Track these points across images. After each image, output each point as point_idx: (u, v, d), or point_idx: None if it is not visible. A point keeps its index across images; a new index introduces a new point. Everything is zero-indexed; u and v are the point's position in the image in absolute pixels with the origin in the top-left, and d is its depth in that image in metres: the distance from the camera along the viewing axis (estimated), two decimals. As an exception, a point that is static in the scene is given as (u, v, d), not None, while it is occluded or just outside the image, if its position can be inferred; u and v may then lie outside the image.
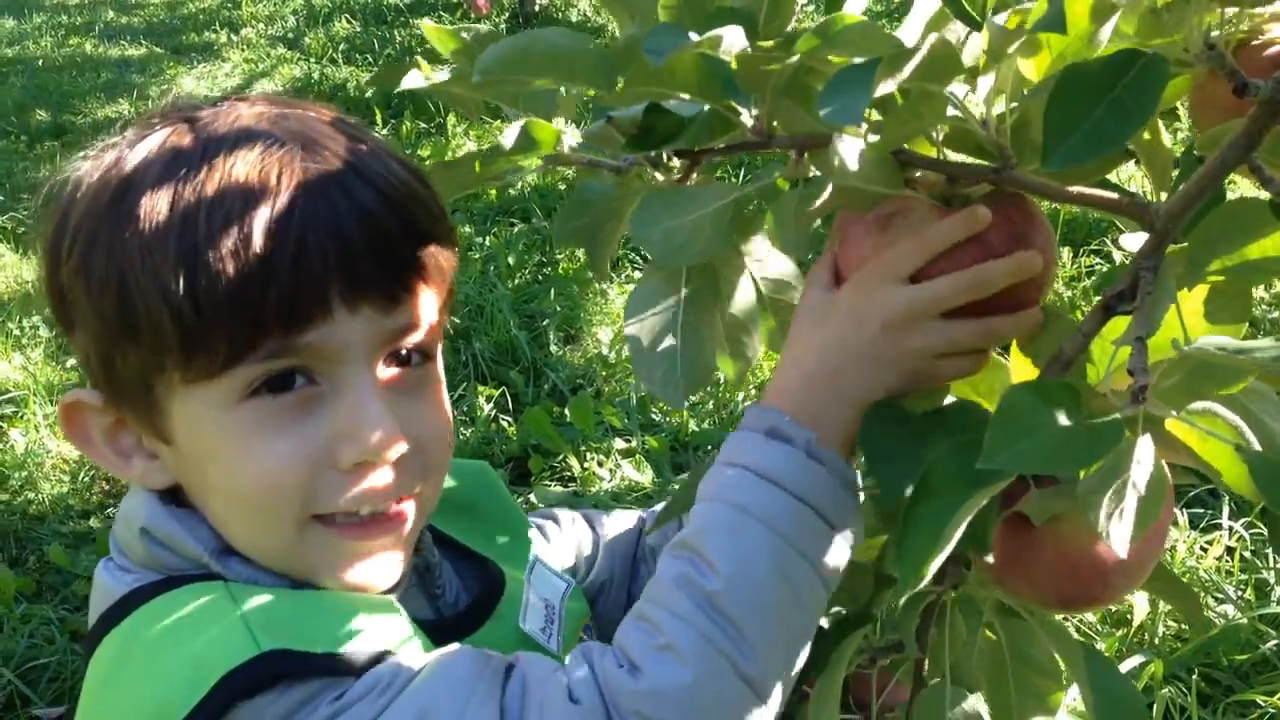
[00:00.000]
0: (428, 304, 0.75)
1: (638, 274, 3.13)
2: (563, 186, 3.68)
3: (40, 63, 5.87)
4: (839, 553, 0.68)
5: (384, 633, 0.72)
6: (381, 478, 0.74)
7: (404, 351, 0.76)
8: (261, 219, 0.69)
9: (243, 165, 0.71)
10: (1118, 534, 0.54)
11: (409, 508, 0.77)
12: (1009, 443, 0.53)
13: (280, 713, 0.66)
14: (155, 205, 0.70)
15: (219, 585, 0.72)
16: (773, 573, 0.65)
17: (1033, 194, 0.64)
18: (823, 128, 0.62)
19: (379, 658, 0.69)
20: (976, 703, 0.70)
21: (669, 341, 0.69)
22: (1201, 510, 2.14)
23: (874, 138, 0.62)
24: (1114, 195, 0.61)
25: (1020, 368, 0.68)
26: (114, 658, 0.72)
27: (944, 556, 0.55)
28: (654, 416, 2.66)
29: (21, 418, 2.80)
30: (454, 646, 0.72)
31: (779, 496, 0.66)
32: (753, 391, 2.65)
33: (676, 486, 2.58)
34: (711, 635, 0.64)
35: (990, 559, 0.65)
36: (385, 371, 0.74)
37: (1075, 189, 0.61)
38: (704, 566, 0.66)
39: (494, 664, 0.69)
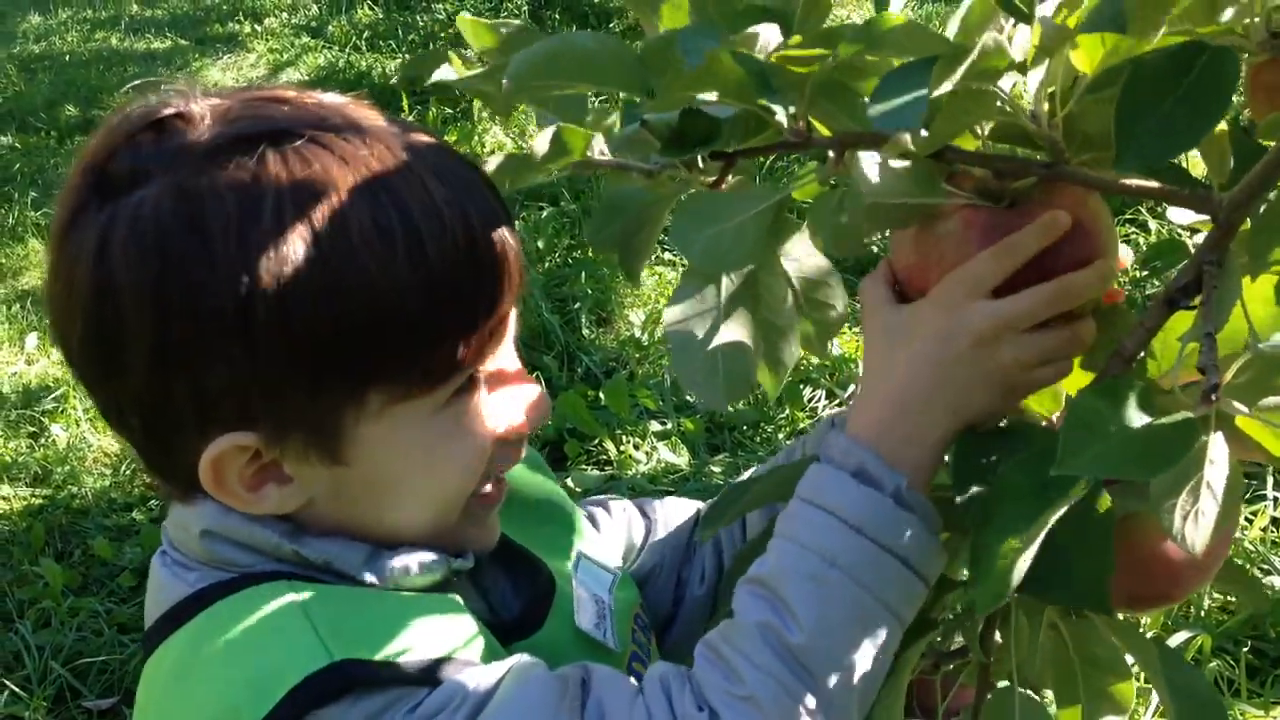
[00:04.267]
0: None
1: (668, 255, 3.12)
2: (590, 167, 3.64)
3: (67, 58, 5.90)
4: (919, 597, 0.67)
5: (453, 637, 0.71)
6: (523, 446, 0.80)
7: None
8: (464, 226, 0.70)
9: (411, 177, 0.70)
10: (1193, 536, 0.53)
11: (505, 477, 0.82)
12: (1083, 447, 0.52)
13: None
14: (365, 235, 0.66)
15: (286, 587, 0.71)
16: (856, 626, 0.64)
17: (1087, 187, 0.62)
18: (863, 127, 0.60)
19: (452, 665, 0.69)
20: (1045, 705, 0.69)
21: (709, 340, 0.68)
22: (1246, 481, 2.10)
23: (923, 134, 0.59)
24: (1173, 187, 0.59)
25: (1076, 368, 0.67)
26: (180, 660, 0.71)
27: (1021, 573, 0.54)
28: (689, 398, 2.65)
29: (63, 413, 2.83)
30: (527, 662, 0.71)
31: (866, 548, 0.65)
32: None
33: (715, 469, 2.59)
34: (792, 688, 0.64)
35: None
36: None
37: (1132, 182, 0.59)
38: (787, 617, 0.65)
39: (570, 689, 0.68)
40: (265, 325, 0.66)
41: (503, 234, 0.73)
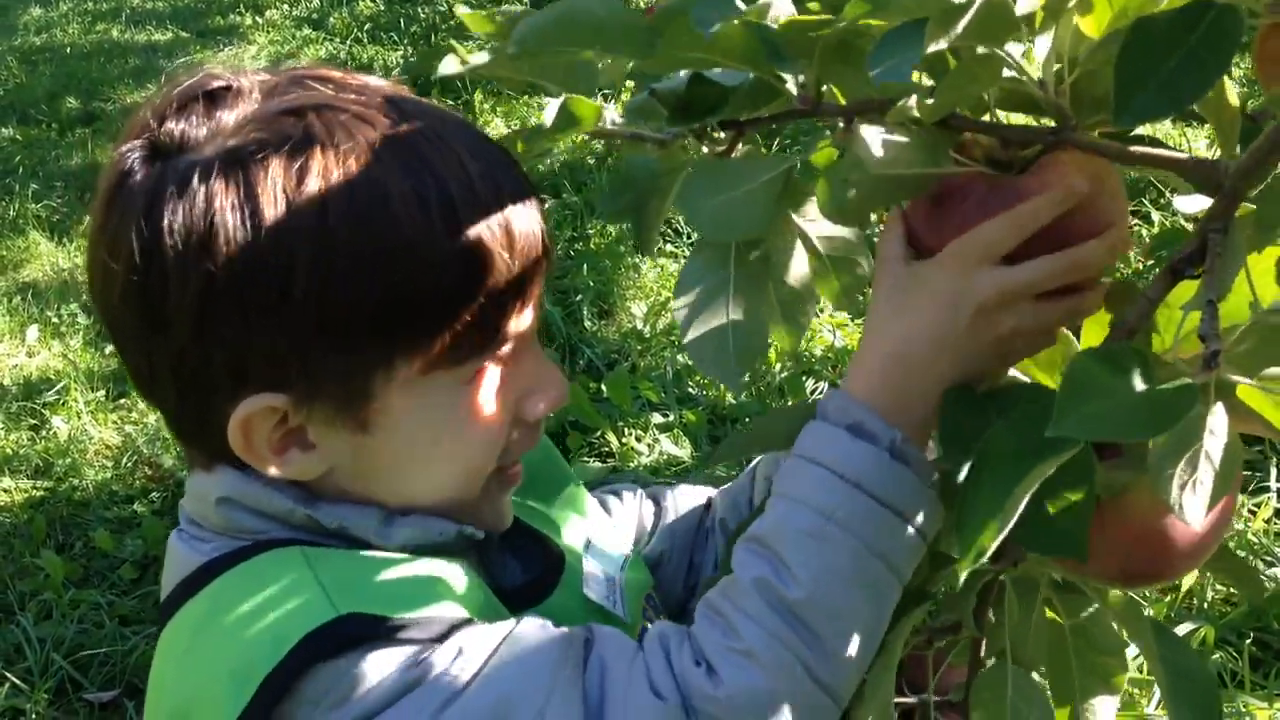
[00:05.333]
0: None
1: (670, 247, 3.11)
2: (592, 161, 3.66)
3: (68, 50, 5.90)
4: (917, 551, 0.67)
5: (460, 597, 0.72)
6: (540, 427, 0.82)
7: None
8: (497, 200, 0.71)
9: (448, 153, 0.71)
10: (1191, 506, 0.53)
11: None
12: (1078, 407, 0.51)
13: (359, 675, 0.66)
14: (407, 205, 0.68)
15: (296, 552, 0.72)
16: (854, 580, 0.65)
17: (1094, 154, 0.61)
18: (872, 92, 0.60)
19: (456, 624, 0.69)
20: (1037, 682, 0.69)
21: (719, 319, 0.68)
22: (1249, 473, 2.10)
23: (928, 101, 0.59)
24: (1180, 155, 0.58)
25: (1089, 338, 0.66)
26: (195, 626, 0.73)
27: (1004, 533, 0.54)
28: (690, 390, 2.65)
29: (64, 405, 2.83)
30: (532, 621, 0.71)
31: (862, 500, 0.65)
32: (789, 364, 2.63)
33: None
34: (790, 643, 0.64)
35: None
36: None
37: (1138, 149, 0.58)
38: (784, 572, 0.65)
39: (574, 648, 0.69)
40: (306, 292, 0.68)
41: (533, 212, 0.74)
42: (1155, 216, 2.89)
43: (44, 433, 2.75)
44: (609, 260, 3.12)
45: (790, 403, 2.61)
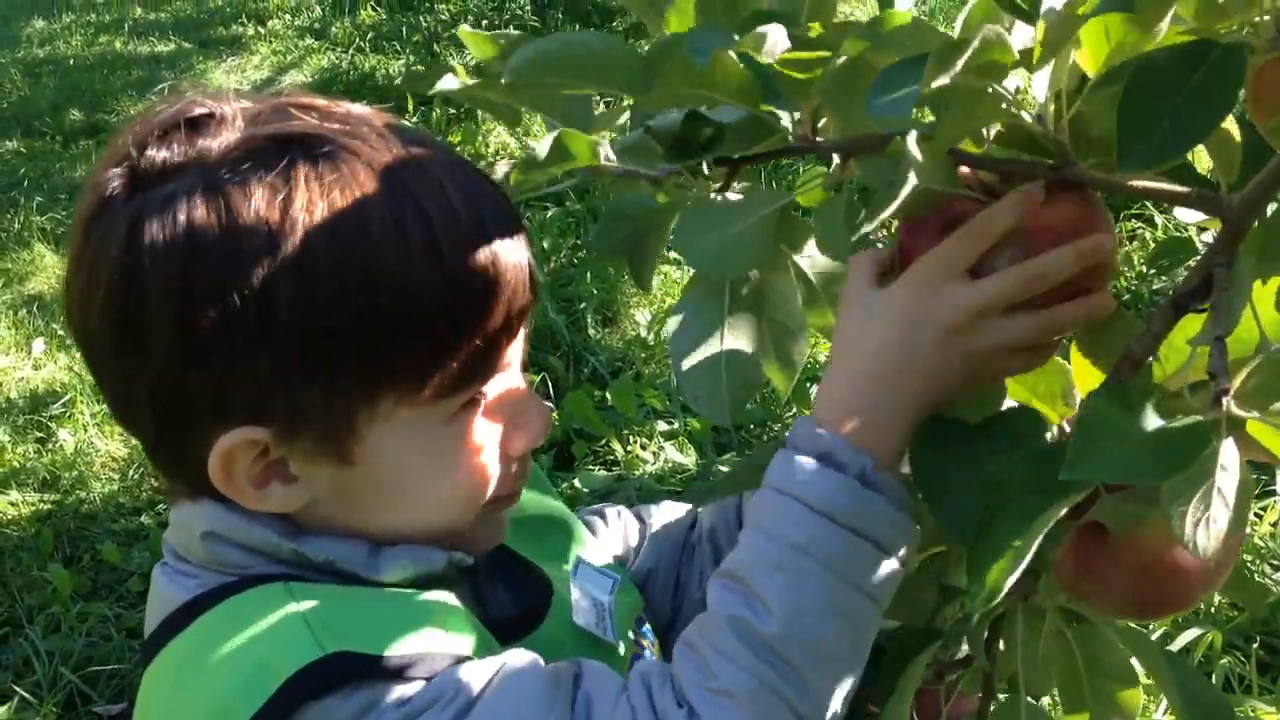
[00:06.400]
0: None
1: (672, 253, 3.10)
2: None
3: (71, 62, 5.91)
4: (894, 577, 0.66)
5: (449, 632, 0.71)
6: (529, 460, 0.82)
7: None
8: (479, 231, 0.71)
9: (433, 183, 0.71)
10: (1204, 542, 0.52)
11: None
12: (1094, 451, 0.51)
13: (348, 715, 0.65)
14: (390, 236, 0.68)
15: (280, 588, 0.71)
16: (829, 612, 0.64)
17: (1094, 189, 0.61)
18: (872, 128, 0.60)
19: (446, 659, 0.69)
20: (1049, 713, 0.68)
21: (713, 354, 0.67)
22: (1256, 477, 2.09)
23: (927, 138, 0.59)
24: (1182, 189, 0.58)
25: (1082, 368, 0.66)
26: (180, 664, 0.72)
27: (1019, 572, 0.53)
28: (695, 398, 2.64)
29: (70, 418, 2.83)
30: (521, 656, 0.71)
31: (834, 532, 0.64)
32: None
33: (722, 469, 2.59)
34: (767, 679, 0.63)
35: (1062, 568, 0.63)
36: None
37: (1141, 184, 0.58)
38: (758, 607, 0.64)
39: (563, 684, 0.68)
40: (287, 322, 0.67)
41: (520, 244, 0.74)
42: (1159, 220, 2.88)
43: (50, 445, 2.76)
44: (613, 269, 3.11)
45: (795, 410, 2.61)
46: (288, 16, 6.10)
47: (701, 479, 2.43)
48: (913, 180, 0.59)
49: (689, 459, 2.47)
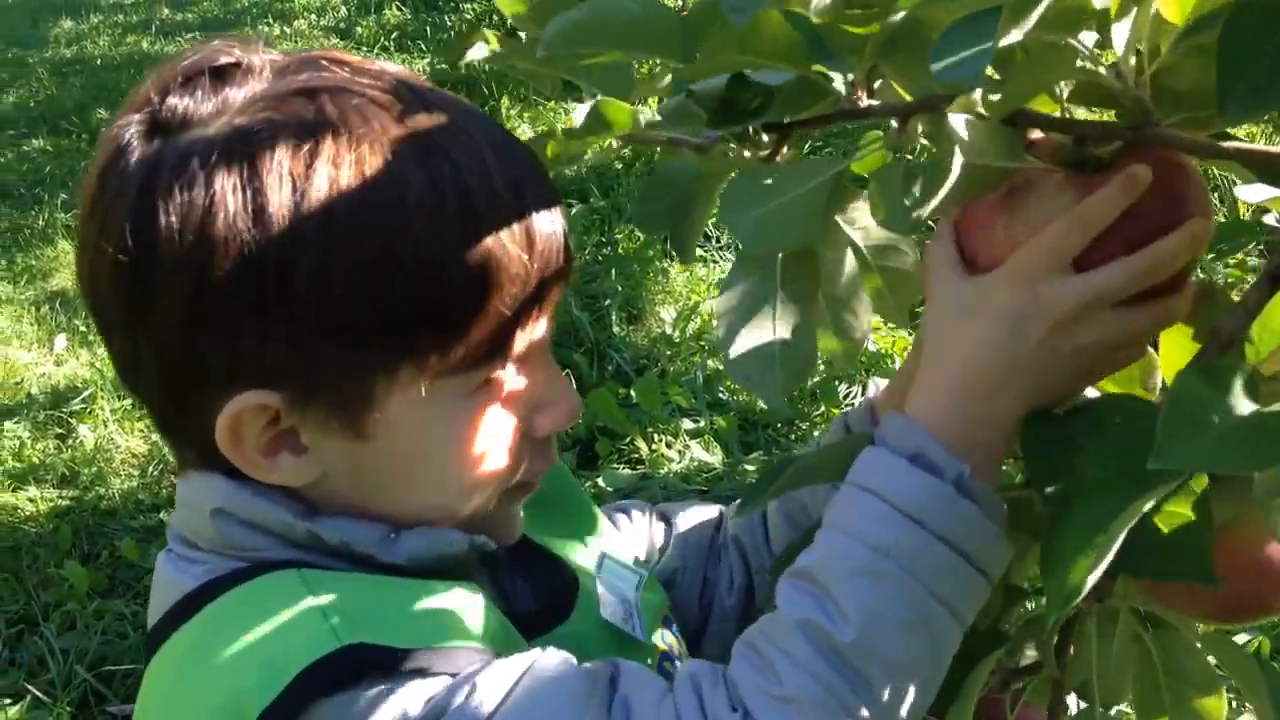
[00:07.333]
0: None
1: (700, 251, 3.07)
2: (619, 166, 3.62)
3: (99, 62, 5.93)
4: (981, 595, 0.61)
5: (473, 625, 0.67)
6: (554, 445, 0.77)
7: None
8: (516, 197, 0.67)
9: (469, 146, 0.67)
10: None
11: None
12: (1185, 438, 0.46)
13: (364, 711, 0.61)
14: (421, 198, 0.64)
15: (294, 574, 0.67)
16: (910, 625, 0.59)
17: (1180, 151, 0.56)
18: (934, 90, 0.55)
19: (470, 654, 0.64)
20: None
21: (765, 335, 0.63)
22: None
23: (993, 97, 0.54)
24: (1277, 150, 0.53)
25: (1171, 349, 0.61)
26: (186, 656, 0.68)
27: (1100, 571, 0.48)
28: (721, 395, 2.62)
29: (90, 414, 2.82)
30: (552, 654, 0.66)
31: (923, 539, 0.59)
32: (822, 370, 2.58)
33: (749, 467, 2.55)
34: (837, 689, 0.59)
35: None
36: None
37: (1232, 145, 0.53)
38: (834, 613, 0.60)
39: (600, 685, 0.64)
40: (307, 283, 0.63)
41: (556, 215, 0.69)
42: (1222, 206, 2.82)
43: (70, 441, 2.75)
44: (637, 265, 3.09)
45: (823, 409, 2.56)
46: (313, 16, 6.12)
47: (727, 478, 2.40)
48: (959, 160, 0.55)
49: (715, 458, 2.44)
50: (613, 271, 3.05)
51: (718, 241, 3.13)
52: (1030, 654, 0.66)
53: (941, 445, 0.60)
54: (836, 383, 2.56)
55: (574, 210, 3.44)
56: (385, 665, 0.62)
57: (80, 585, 2.22)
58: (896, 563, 0.59)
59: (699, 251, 3.06)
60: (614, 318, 2.90)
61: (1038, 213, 0.59)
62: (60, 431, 2.80)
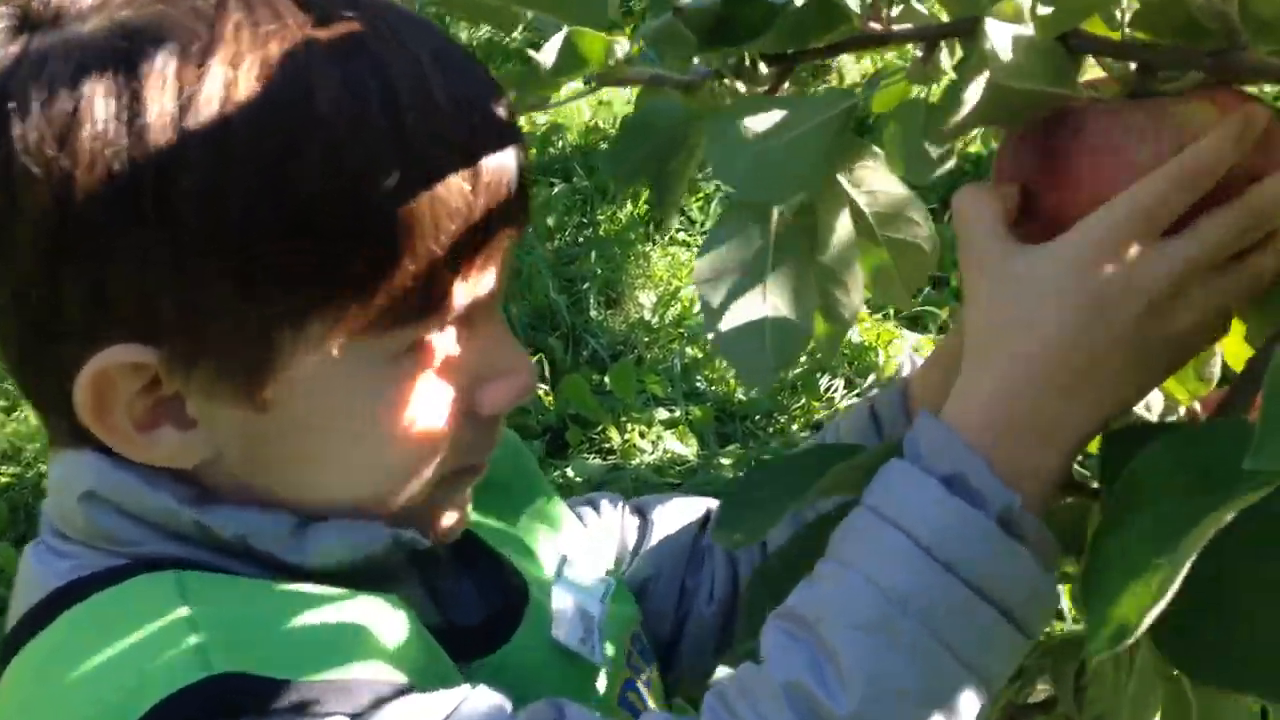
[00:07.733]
0: None
1: (683, 235, 3.00)
2: (604, 145, 3.54)
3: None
4: (1018, 654, 0.50)
5: (392, 651, 0.56)
6: (502, 425, 0.65)
7: None
8: (460, 114, 0.55)
9: (404, 54, 0.55)
10: None
11: None
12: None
13: None
14: (337, 104, 0.52)
15: (169, 579, 0.56)
16: (927, 695, 0.48)
17: (1270, 82, 0.47)
18: (964, 11, 0.46)
19: (383, 693, 0.53)
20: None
21: (754, 304, 0.53)
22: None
23: (1043, 10, 0.44)
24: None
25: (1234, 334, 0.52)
26: (38, 670, 0.56)
27: (1163, 604, 0.39)
28: (698, 385, 2.57)
29: (40, 387, 2.72)
30: (483, 698, 0.55)
31: (953, 590, 0.48)
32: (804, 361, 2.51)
33: (724, 460, 2.47)
34: None
35: None
36: None
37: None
38: (830, 676, 0.48)
39: None
40: (192, 208, 0.52)
41: (509, 144, 0.57)
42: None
43: (15, 416, 2.64)
44: (619, 248, 3.02)
45: (804, 401, 2.49)
46: None
47: (702, 471, 2.33)
48: (981, 78, 0.45)
49: (689, 449, 2.38)
50: (593, 254, 2.98)
51: (702, 226, 3.05)
52: (1042, 688, 0.56)
53: (987, 467, 0.49)
54: (818, 375, 2.50)
55: (556, 189, 3.36)
56: (263, 699, 0.51)
57: (11, 569, 2.11)
58: (915, 617, 0.48)
59: (682, 235, 2.99)
60: (592, 301, 2.83)
61: (1113, 159, 0.48)
62: (4, 405, 2.69)
